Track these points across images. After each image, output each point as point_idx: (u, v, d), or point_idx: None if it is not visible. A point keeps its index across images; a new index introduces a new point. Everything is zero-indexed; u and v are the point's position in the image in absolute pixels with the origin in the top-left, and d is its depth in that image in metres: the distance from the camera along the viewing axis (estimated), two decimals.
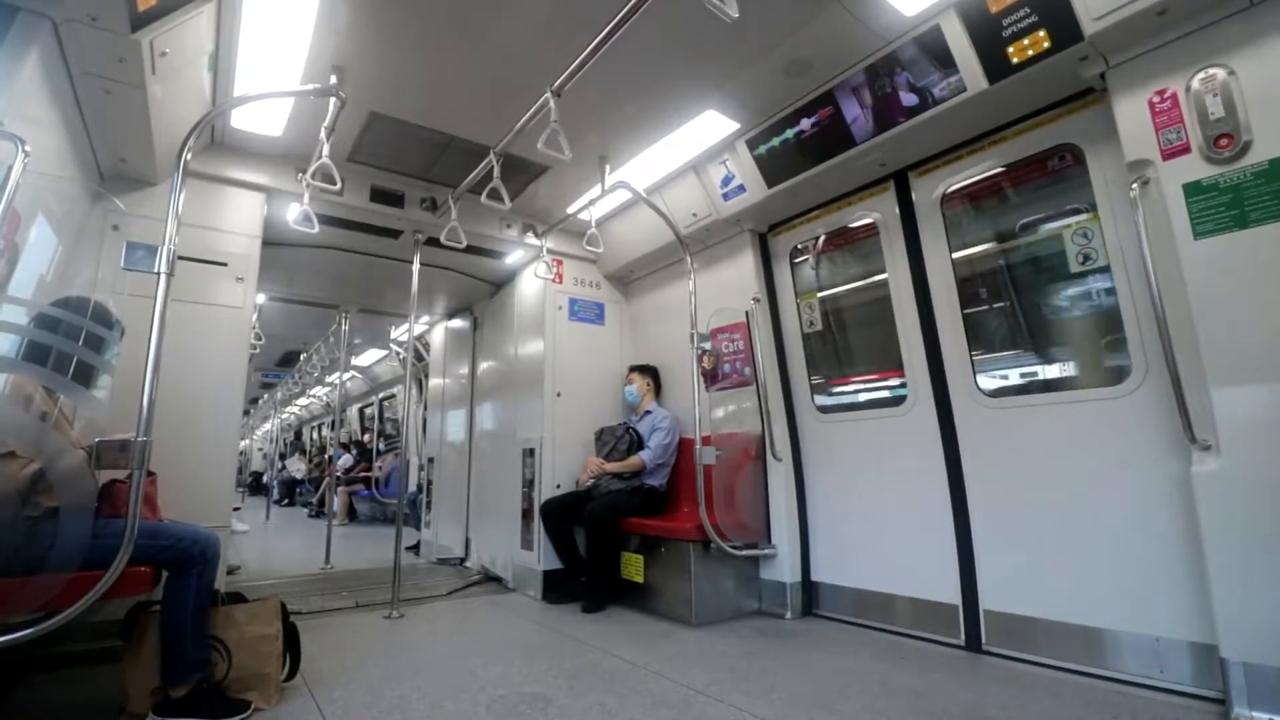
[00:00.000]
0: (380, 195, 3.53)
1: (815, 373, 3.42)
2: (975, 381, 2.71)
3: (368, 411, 11.64)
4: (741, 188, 3.30)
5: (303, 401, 12.78)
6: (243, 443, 13.60)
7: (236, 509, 6.96)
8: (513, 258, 4.33)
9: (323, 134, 2.58)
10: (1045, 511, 2.43)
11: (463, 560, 4.83)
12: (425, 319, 6.03)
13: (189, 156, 1.97)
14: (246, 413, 12.42)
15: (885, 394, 3.15)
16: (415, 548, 5.63)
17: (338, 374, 7.02)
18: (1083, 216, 2.44)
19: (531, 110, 2.60)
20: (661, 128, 3.09)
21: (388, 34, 2.46)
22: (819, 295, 3.46)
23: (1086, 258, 2.43)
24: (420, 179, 3.62)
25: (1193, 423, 1.93)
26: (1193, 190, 1.98)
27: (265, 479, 12.98)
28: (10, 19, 1.85)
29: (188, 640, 1.88)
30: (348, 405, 11.81)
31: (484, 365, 5.02)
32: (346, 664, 2.47)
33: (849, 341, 3.45)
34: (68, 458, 1.72)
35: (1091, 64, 2.22)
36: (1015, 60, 2.27)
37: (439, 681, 2.26)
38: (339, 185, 2.64)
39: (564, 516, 3.61)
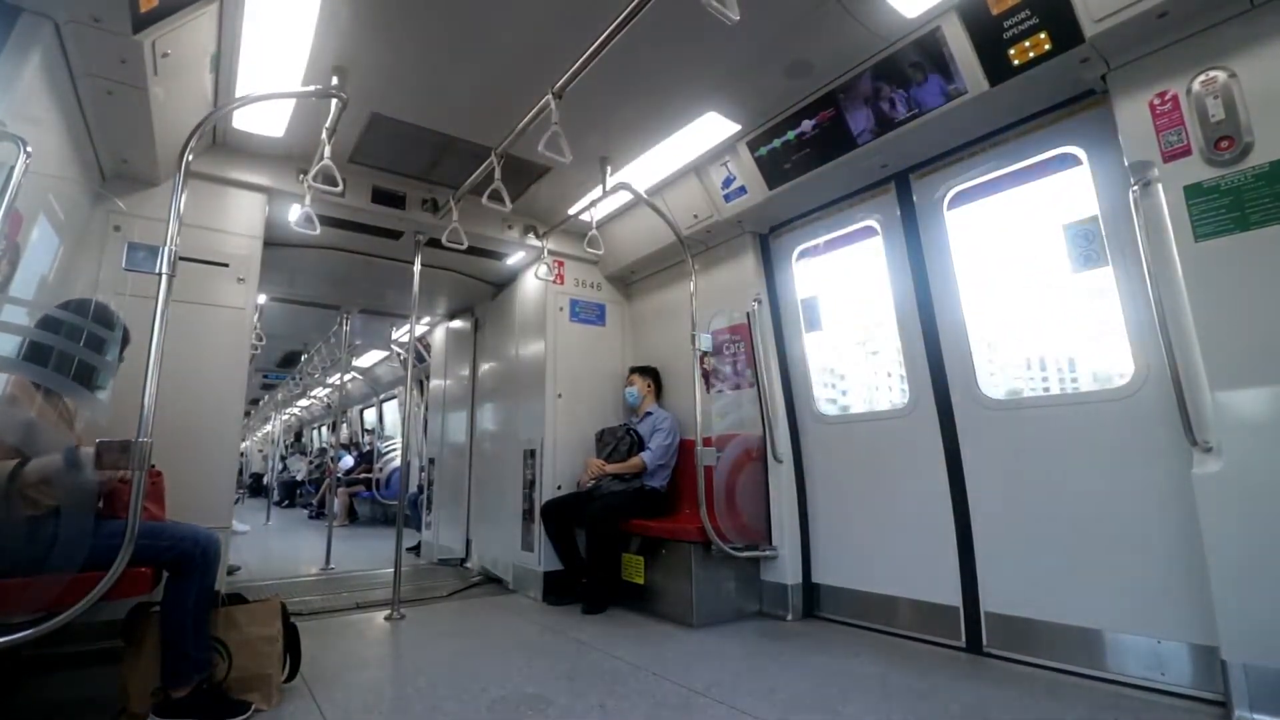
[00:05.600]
0: (381, 196, 3.54)
1: None
2: (976, 384, 2.71)
3: (368, 414, 11.64)
4: (742, 189, 3.30)
5: (303, 403, 12.78)
6: (243, 444, 13.60)
7: (235, 502, 6.96)
8: (514, 259, 4.33)
9: (324, 135, 2.58)
10: (1046, 514, 2.43)
11: (463, 561, 4.83)
12: (426, 320, 6.03)
13: (190, 157, 1.97)
14: (247, 414, 12.40)
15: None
16: (416, 549, 5.63)
17: (338, 375, 7.02)
18: (1083, 218, 2.44)
19: (533, 112, 2.60)
20: (662, 129, 3.09)
21: (389, 35, 2.46)
22: None
23: (1087, 259, 2.43)
24: (421, 180, 3.63)
25: (1193, 425, 1.92)
26: (1193, 192, 1.98)
27: (266, 480, 12.97)
28: (13, 20, 1.86)
29: (188, 641, 1.88)
30: (349, 407, 11.81)
31: (485, 366, 5.02)
32: (347, 665, 2.47)
33: None
34: (45, 462, 1.71)
35: (1092, 66, 2.22)
36: (1016, 62, 2.27)
37: (439, 682, 2.26)
38: (340, 186, 2.65)
39: (565, 518, 3.60)
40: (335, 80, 2.60)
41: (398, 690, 2.21)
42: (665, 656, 2.56)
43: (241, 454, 12.77)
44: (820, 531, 3.27)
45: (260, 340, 4.62)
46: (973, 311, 2.77)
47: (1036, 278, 2.78)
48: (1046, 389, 2.88)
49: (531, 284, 4.26)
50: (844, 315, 3.53)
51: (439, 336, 6.08)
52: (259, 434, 16.49)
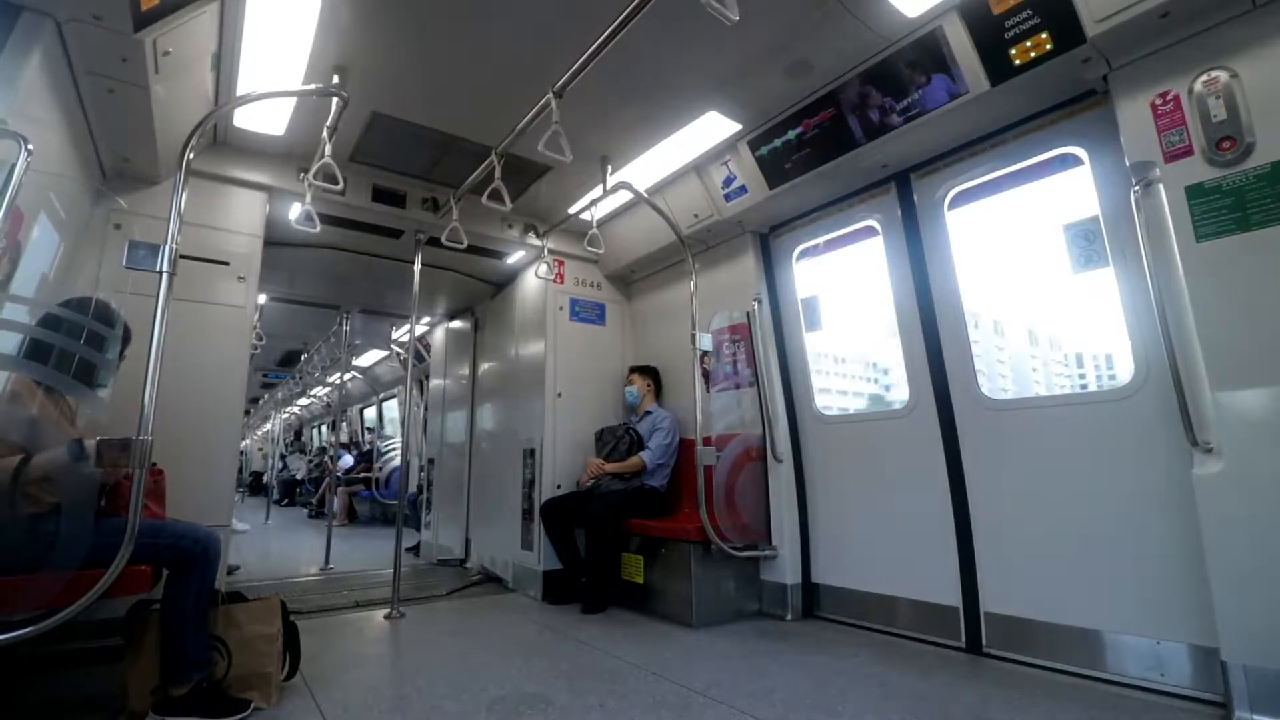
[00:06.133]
0: (382, 195, 3.54)
1: None
2: (977, 385, 2.71)
3: (368, 413, 11.64)
4: (743, 189, 3.30)
5: (303, 402, 12.79)
6: (243, 443, 13.60)
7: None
8: (514, 258, 4.33)
9: (325, 134, 2.58)
10: (1046, 514, 2.43)
11: (463, 561, 4.83)
12: (426, 319, 6.04)
13: (191, 156, 1.97)
14: (247, 413, 12.40)
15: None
16: (415, 549, 5.63)
17: (338, 374, 7.02)
18: (1084, 218, 2.44)
19: (533, 111, 2.60)
20: (663, 128, 3.09)
21: (390, 34, 2.47)
22: None
23: (1088, 259, 2.43)
24: (422, 179, 3.63)
25: (1194, 425, 1.92)
26: (1195, 193, 1.98)
27: (265, 479, 12.98)
28: (14, 18, 1.86)
29: (188, 639, 1.88)
30: (348, 406, 11.81)
31: (485, 365, 5.02)
32: (346, 663, 2.47)
33: None
34: (49, 458, 1.71)
35: (1094, 66, 2.22)
36: (1017, 62, 2.27)
37: (439, 681, 2.26)
38: (341, 185, 2.65)
39: (564, 517, 3.60)
40: (336, 79, 2.60)
41: (397, 689, 2.21)
42: (664, 656, 2.56)
43: (241, 453, 12.76)
44: (820, 531, 3.27)
45: (260, 339, 4.62)
46: (1015, 306, 2.72)
47: (1064, 276, 2.73)
48: (1084, 385, 2.84)
49: (531, 283, 4.26)
50: (876, 308, 3.43)
51: (439, 336, 6.08)
52: (259, 432, 16.50)
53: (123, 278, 2.10)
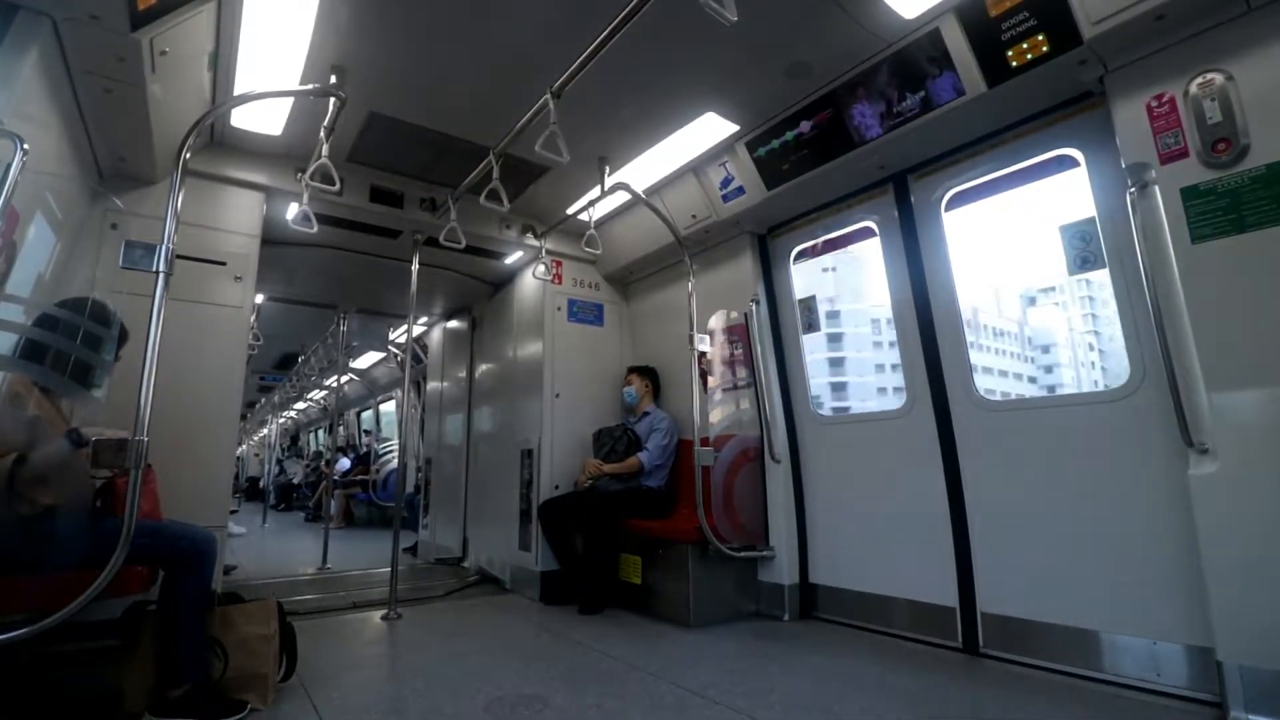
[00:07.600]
0: (379, 195, 3.53)
1: None
2: (974, 385, 2.71)
3: (365, 415, 11.61)
4: (741, 189, 3.30)
5: (300, 405, 12.75)
6: (239, 447, 13.55)
7: (233, 511, 6.93)
8: (512, 258, 4.33)
9: (322, 134, 2.58)
10: (1043, 515, 2.43)
11: (460, 561, 4.82)
12: (424, 319, 6.03)
13: (188, 155, 1.96)
14: (243, 417, 12.37)
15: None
16: (413, 548, 5.62)
17: (335, 376, 7.01)
18: (1081, 219, 2.44)
19: (531, 111, 2.60)
20: (661, 129, 3.10)
21: (388, 34, 2.46)
22: None
23: (1085, 260, 2.43)
24: (420, 179, 3.62)
25: (1190, 426, 1.93)
26: (1190, 194, 1.98)
27: (262, 484, 12.92)
28: (10, 17, 1.85)
29: (185, 640, 1.87)
30: (345, 410, 11.78)
31: (482, 366, 5.02)
32: (343, 665, 2.46)
33: None
34: (49, 452, 1.70)
35: (1090, 68, 2.22)
36: (1014, 64, 2.28)
37: (436, 682, 2.25)
38: (338, 185, 2.64)
39: (562, 517, 3.60)
40: (333, 79, 2.60)
41: (394, 690, 2.20)
42: (662, 657, 2.56)
43: (237, 458, 12.71)
44: (817, 532, 3.27)
45: (258, 340, 4.61)
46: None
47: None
48: None
49: (529, 284, 4.26)
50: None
51: (436, 337, 6.07)
52: (255, 438, 16.44)
53: (119, 278, 2.10)
